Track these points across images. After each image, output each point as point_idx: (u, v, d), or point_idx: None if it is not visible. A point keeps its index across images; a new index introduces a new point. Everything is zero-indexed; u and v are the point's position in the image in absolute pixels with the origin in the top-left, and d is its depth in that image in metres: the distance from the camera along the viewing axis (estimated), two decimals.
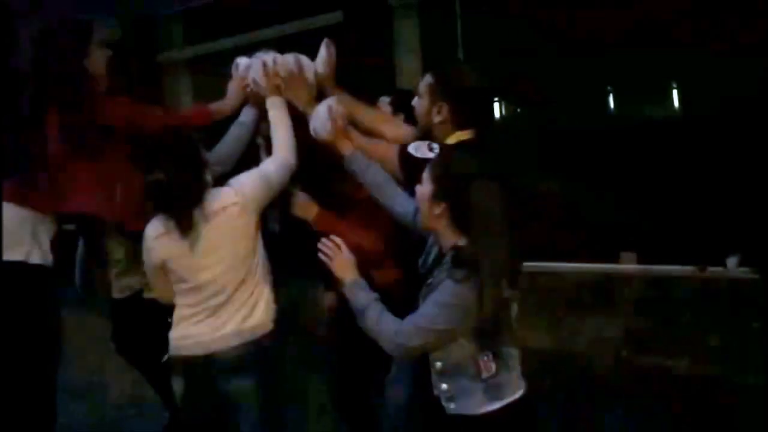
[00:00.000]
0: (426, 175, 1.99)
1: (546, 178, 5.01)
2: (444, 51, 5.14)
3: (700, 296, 4.12)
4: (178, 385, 2.45)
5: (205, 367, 2.39)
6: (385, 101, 3.03)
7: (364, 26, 5.39)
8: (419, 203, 2.03)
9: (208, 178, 2.40)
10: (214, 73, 6.71)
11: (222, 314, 2.37)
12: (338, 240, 2.13)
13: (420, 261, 2.13)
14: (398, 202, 2.26)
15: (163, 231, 2.38)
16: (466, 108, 2.34)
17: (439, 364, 1.98)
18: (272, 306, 2.48)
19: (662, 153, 4.41)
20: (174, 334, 2.44)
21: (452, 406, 1.97)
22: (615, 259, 4.58)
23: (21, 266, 2.65)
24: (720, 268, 4.10)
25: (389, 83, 5.13)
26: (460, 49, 5.05)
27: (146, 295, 2.80)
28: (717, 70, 4.15)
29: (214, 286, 2.37)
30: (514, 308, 2.02)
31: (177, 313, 2.45)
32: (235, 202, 2.38)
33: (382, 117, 2.73)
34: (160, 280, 2.48)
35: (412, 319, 1.92)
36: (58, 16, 2.87)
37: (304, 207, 2.74)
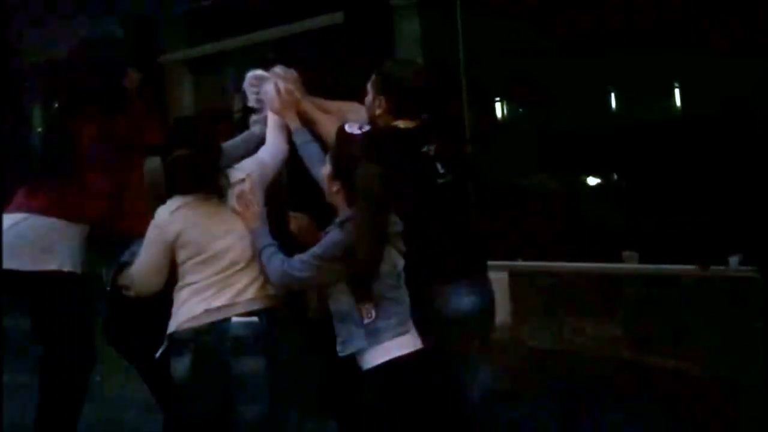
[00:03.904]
0: (327, 158, 2.39)
1: (546, 178, 5.03)
2: (445, 51, 5.15)
3: (702, 295, 4.13)
4: (180, 369, 2.42)
5: (215, 345, 2.40)
6: None
7: (365, 26, 5.40)
8: (323, 181, 2.40)
9: (222, 162, 2.59)
10: (214, 73, 6.78)
11: (240, 282, 2.46)
12: (250, 195, 2.49)
13: None
14: (323, 176, 2.55)
15: (180, 204, 2.50)
16: (400, 100, 2.55)
17: (333, 311, 2.32)
18: None
19: (663, 152, 4.41)
20: (181, 312, 2.44)
21: (341, 348, 2.29)
22: (616, 259, 4.58)
23: (56, 275, 2.83)
24: (722, 267, 4.10)
25: None
26: (461, 49, 5.06)
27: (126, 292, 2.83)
28: (718, 70, 4.15)
29: (232, 253, 2.47)
30: (401, 263, 2.30)
31: (182, 293, 2.47)
32: (246, 176, 2.58)
33: (349, 105, 2.89)
34: (158, 264, 2.51)
35: (297, 255, 2.32)
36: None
37: (302, 225, 2.85)
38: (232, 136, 3.05)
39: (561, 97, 4.81)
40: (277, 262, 2.36)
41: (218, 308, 2.43)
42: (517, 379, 4.01)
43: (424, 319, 2.34)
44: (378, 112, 2.59)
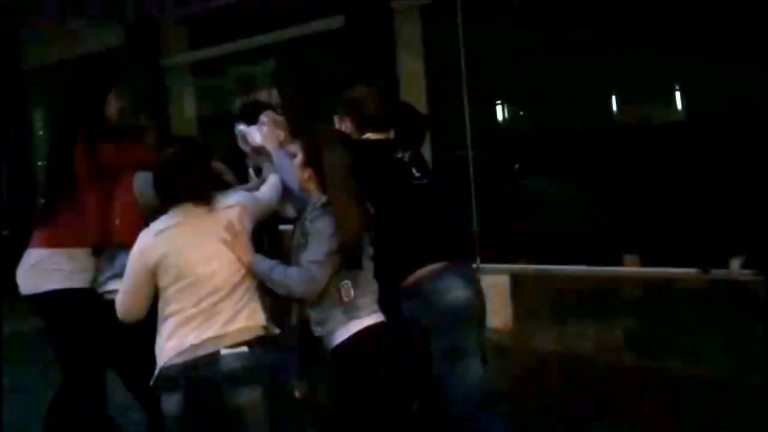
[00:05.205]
0: (298, 147, 2.53)
1: (546, 179, 5.03)
2: (446, 53, 5.15)
3: (703, 299, 4.11)
4: (172, 406, 2.33)
5: (207, 380, 2.32)
6: None
7: (366, 30, 5.41)
8: (295, 184, 2.57)
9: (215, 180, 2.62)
10: (216, 77, 6.79)
11: (226, 310, 2.39)
12: (239, 225, 2.49)
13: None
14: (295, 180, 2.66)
15: (165, 226, 2.44)
16: (362, 120, 2.78)
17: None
18: (268, 313, 2.53)
19: (665, 155, 4.41)
20: (168, 347, 2.37)
21: (319, 329, 2.41)
22: (618, 262, 4.57)
23: (56, 294, 3.01)
24: (723, 270, 4.09)
25: (392, 86, 5.15)
26: (462, 51, 5.06)
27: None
28: (720, 73, 4.15)
29: (215, 280, 2.39)
30: (370, 249, 2.45)
31: (167, 324, 2.40)
32: (236, 204, 2.55)
33: None
34: (141, 291, 2.45)
35: (306, 260, 2.36)
36: None
37: None
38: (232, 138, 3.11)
39: (561, 98, 4.82)
40: (296, 273, 2.38)
41: (208, 340, 2.35)
42: (519, 381, 4.00)
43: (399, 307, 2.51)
44: (345, 130, 2.77)
